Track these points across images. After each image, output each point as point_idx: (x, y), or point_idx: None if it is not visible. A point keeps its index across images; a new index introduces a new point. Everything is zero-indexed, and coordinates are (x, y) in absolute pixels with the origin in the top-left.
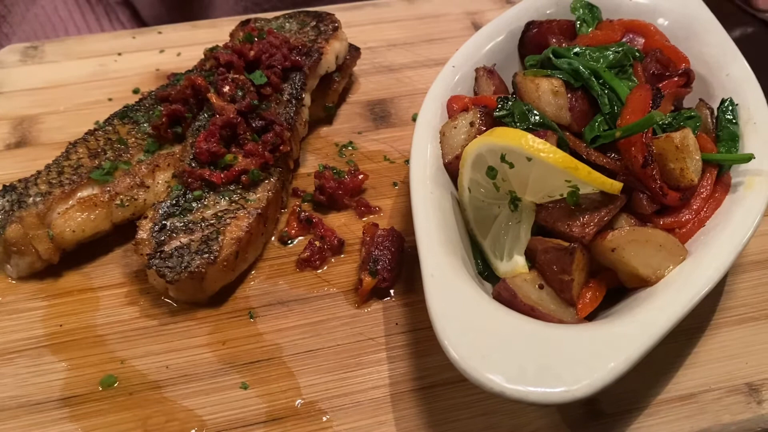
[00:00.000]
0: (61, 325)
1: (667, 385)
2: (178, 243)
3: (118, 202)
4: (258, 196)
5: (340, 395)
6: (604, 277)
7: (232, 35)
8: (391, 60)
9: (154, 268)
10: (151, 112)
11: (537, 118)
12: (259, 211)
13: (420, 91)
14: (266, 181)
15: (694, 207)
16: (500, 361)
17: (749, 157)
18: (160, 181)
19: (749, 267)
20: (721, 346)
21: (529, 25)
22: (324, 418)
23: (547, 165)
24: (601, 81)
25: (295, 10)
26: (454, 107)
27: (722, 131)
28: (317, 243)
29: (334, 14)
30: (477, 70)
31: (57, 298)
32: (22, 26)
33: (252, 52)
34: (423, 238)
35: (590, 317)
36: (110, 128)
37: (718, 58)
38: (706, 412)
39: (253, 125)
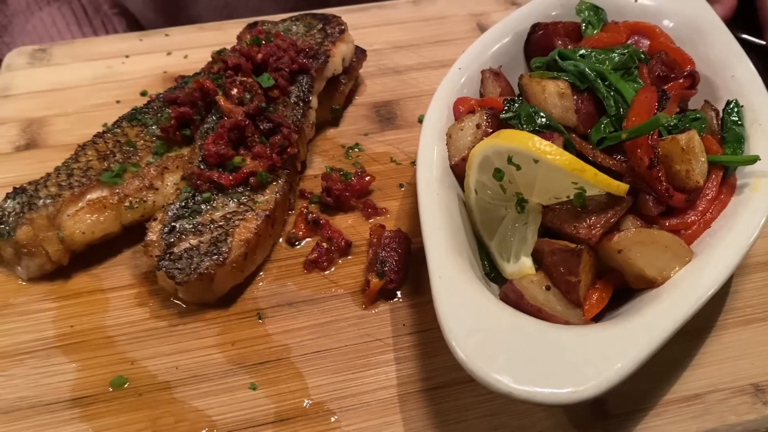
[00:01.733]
0: (71, 327)
1: (674, 386)
2: (188, 245)
3: (128, 204)
4: (266, 197)
5: (348, 396)
6: (610, 278)
7: (239, 38)
8: (396, 62)
9: (164, 269)
10: (159, 115)
11: (543, 120)
12: (267, 212)
13: (426, 93)
14: (274, 183)
15: (700, 208)
16: (507, 362)
17: (755, 159)
18: (168, 183)
19: (755, 268)
20: (727, 347)
21: (535, 27)
22: (332, 419)
23: (553, 167)
24: (606, 83)
25: (302, 13)
26: (461, 109)
27: (728, 133)
28: (324, 244)
29: (340, 17)
30: (483, 72)
31: (67, 300)
32: (22, 37)
33: (259, 55)
34: (430, 239)
35: (597, 318)
36: (119, 130)
37: (723, 59)
38: (712, 413)
39: (261, 128)
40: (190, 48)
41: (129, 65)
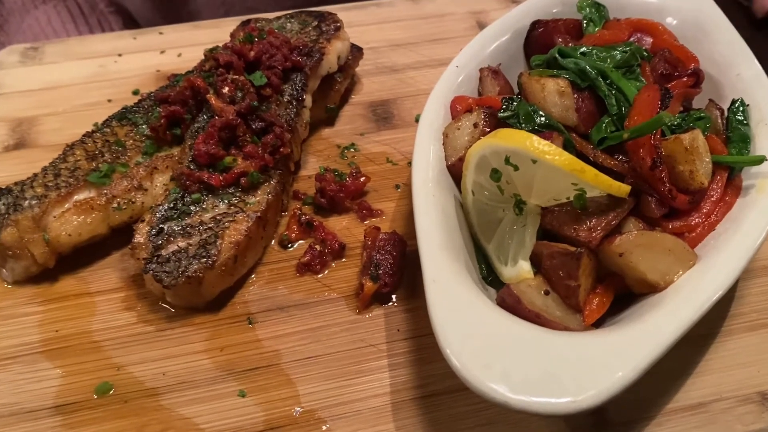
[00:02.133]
0: (56, 331)
1: (677, 394)
2: (176, 247)
3: (115, 205)
4: (257, 199)
5: (340, 403)
6: (611, 282)
7: (232, 35)
8: (394, 60)
9: (151, 272)
10: (149, 114)
11: (542, 119)
12: (259, 214)
13: (423, 92)
14: (266, 184)
15: (704, 210)
16: (504, 370)
17: (761, 159)
18: (158, 184)
19: (761, 272)
20: (732, 354)
21: (535, 24)
22: (323, 427)
23: (552, 167)
24: (608, 81)
25: (297, 10)
26: (458, 108)
27: (733, 132)
28: (318, 247)
29: (336, 14)
30: (481, 70)
31: (53, 303)
32: (17, 36)
33: (252, 53)
34: (425, 242)
35: (597, 324)
36: (108, 130)
37: (728, 57)
38: (717, 422)
39: (253, 127)
40: (184, 46)
41: (122, 64)
